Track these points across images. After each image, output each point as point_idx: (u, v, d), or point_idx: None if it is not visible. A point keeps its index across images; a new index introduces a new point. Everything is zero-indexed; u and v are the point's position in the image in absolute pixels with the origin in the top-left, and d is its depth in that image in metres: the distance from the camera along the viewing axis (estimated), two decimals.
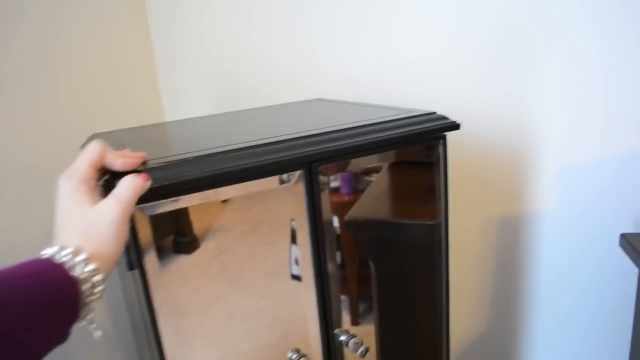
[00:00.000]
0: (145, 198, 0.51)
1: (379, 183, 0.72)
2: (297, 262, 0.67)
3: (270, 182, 0.58)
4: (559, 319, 1.13)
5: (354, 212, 0.73)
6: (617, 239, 1.02)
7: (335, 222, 0.67)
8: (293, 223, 0.65)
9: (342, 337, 0.69)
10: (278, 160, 0.56)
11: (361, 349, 0.67)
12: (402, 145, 0.65)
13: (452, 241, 1.13)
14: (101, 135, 0.76)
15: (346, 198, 0.70)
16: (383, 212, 0.77)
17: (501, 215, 1.10)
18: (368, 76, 1.06)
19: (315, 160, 0.59)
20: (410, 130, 0.63)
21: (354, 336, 0.68)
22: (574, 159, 1.01)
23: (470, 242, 1.14)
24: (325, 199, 0.63)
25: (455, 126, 0.65)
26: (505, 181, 1.07)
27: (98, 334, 0.45)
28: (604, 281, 1.06)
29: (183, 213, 0.55)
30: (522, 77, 0.98)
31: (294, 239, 0.65)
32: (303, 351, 0.66)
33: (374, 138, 0.61)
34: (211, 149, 0.56)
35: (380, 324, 0.75)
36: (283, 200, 0.60)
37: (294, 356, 0.66)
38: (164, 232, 0.55)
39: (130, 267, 0.59)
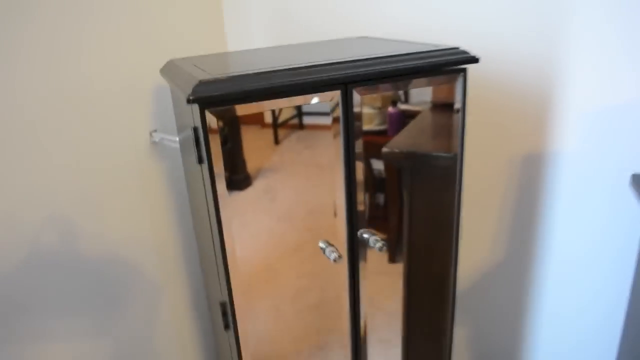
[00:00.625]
0: (215, 102, 0.66)
1: (414, 124, 0.84)
2: None
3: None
4: (571, 250, 1.24)
5: (390, 146, 0.86)
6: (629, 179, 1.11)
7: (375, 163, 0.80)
8: None
9: (365, 235, 0.84)
10: (318, 80, 0.69)
11: (378, 244, 0.82)
12: (425, 73, 0.76)
13: (478, 176, 1.24)
14: (177, 61, 0.91)
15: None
16: (414, 146, 0.89)
17: (525, 152, 1.19)
18: (410, 18, 1.15)
19: (350, 82, 0.72)
20: (432, 61, 0.75)
21: (373, 234, 0.83)
22: (597, 102, 1.09)
23: (495, 177, 1.25)
24: (359, 124, 0.77)
25: (474, 59, 0.76)
26: (531, 121, 1.16)
27: None
28: (614, 217, 1.16)
29: (238, 152, 0.71)
30: (551, 22, 1.05)
31: None
32: (332, 243, 0.82)
33: (401, 65, 0.73)
34: (265, 69, 0.70)
35: (409, 248, 0.89)
36: (331, 145, 0.75)
37: (324, 245, 0.81)
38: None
39: (200, 160, 0.75)
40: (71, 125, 0.92)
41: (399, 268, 0.92)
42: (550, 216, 1.23)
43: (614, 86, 1.06)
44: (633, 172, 1.10)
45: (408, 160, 0.87)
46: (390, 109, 0.83)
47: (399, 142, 0.86)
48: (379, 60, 0.72)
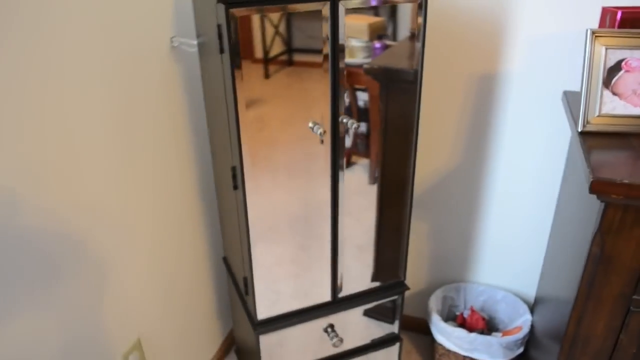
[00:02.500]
0: (236, 3, 0.89)
1: (391, 51, 1.07)
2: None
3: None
4: (515, 153, 1.52)
5: (370, 64, 1.09)
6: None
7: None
8: None
9: (344, 120, 1.09)
10: None
11: (354, 125, 1.08)
12: None
13: (442, 91, 1.49)
14: None
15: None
16: (389, 64, 1.12)
17: (481, 72, 1.44)
18: None
19: None
20: None
21: (350, 119, 1.09)
22: (539, 30, 1.33)
23: (456, 92, 1.50)
24: (342, 25, 1.00)
25: None
26: (487, 45, 1.40)
27: None
28: (549, 125, 1.43)
29: None
30: None
31: None
32: (319, 124, 1.07)
33: None
34: None
35: (383, 149, 1.15)
36: (317, 80, 1.00)
37: (313, 125, 1.07)
38: None
39: (221, 51, 0.98)
40: (97, 35, 1.11)
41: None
42: (500, 126, 1.50)
43: (552, 18, 1.30)
44: (564, 89, 1.36)
45: (383, 74, 1.11)
46: (376, 43, 1.06)
47: (378, 62, 1.10)
48: None
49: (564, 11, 1.28)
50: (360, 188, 1.20)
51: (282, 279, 1.23)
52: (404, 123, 1.17)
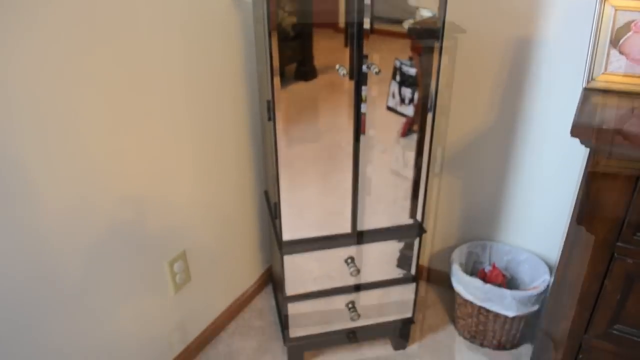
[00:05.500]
0: None
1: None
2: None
3: None
4: (547, 115, 1.57)
5: (413, 24, 1.21)
6: None
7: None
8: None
9: (366, 66, 1.23)
10: None
11: (376, 69, 1.21)
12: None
13: (479, 55, 1.57)
14: None
15: None
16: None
17: (517, 36, 1.50)
18: None
19: None
20: None
21: (373, 64, 1.22)
22: None
23: (493, 55, 1.57)
24: None
25: None
26: (524, 10, 1.46)
27: None
28: (578, 91, 1.47)
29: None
30: None
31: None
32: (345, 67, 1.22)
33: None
34: None
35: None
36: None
37: (338, 67, 1.21)
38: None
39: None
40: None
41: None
42: (533, 91, 1.56)
43: None
44: None
45: (426, 32, 1.23)
46: None
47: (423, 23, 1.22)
48: None
49: None
50: (384, 131, 1.34)
51: (306, 206, 1.40)
52: (427, 76, 1.29)
